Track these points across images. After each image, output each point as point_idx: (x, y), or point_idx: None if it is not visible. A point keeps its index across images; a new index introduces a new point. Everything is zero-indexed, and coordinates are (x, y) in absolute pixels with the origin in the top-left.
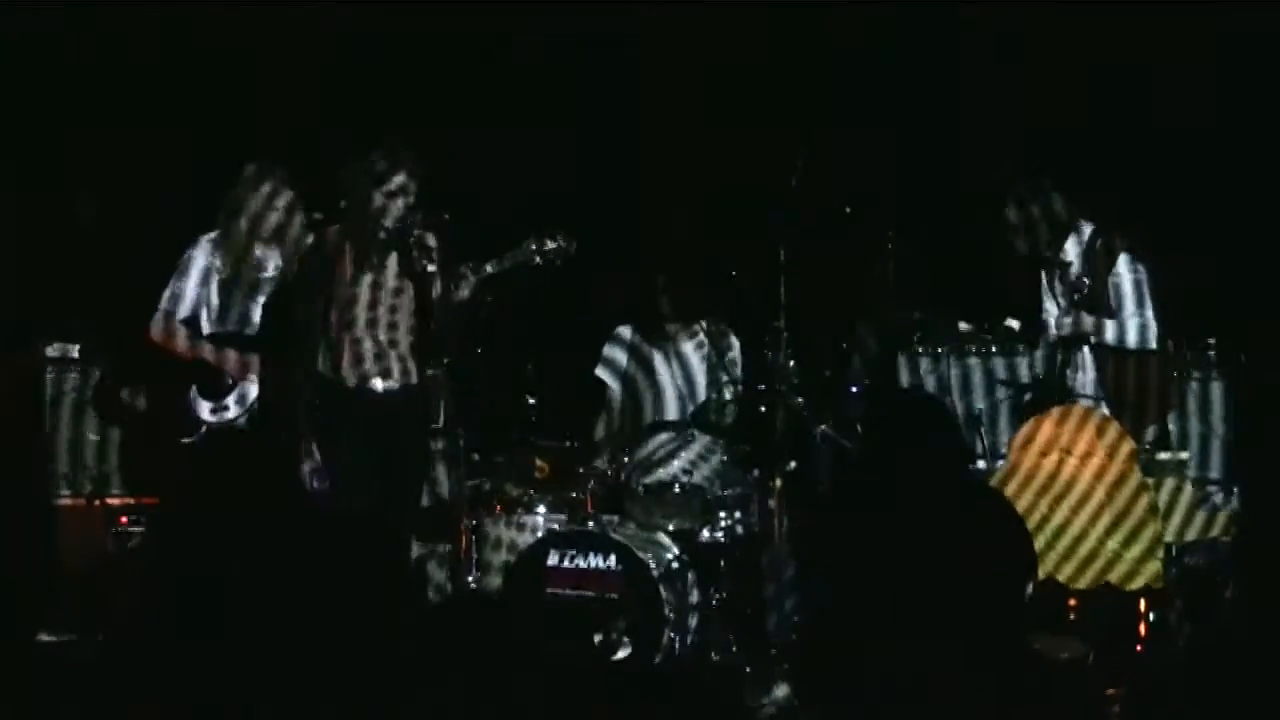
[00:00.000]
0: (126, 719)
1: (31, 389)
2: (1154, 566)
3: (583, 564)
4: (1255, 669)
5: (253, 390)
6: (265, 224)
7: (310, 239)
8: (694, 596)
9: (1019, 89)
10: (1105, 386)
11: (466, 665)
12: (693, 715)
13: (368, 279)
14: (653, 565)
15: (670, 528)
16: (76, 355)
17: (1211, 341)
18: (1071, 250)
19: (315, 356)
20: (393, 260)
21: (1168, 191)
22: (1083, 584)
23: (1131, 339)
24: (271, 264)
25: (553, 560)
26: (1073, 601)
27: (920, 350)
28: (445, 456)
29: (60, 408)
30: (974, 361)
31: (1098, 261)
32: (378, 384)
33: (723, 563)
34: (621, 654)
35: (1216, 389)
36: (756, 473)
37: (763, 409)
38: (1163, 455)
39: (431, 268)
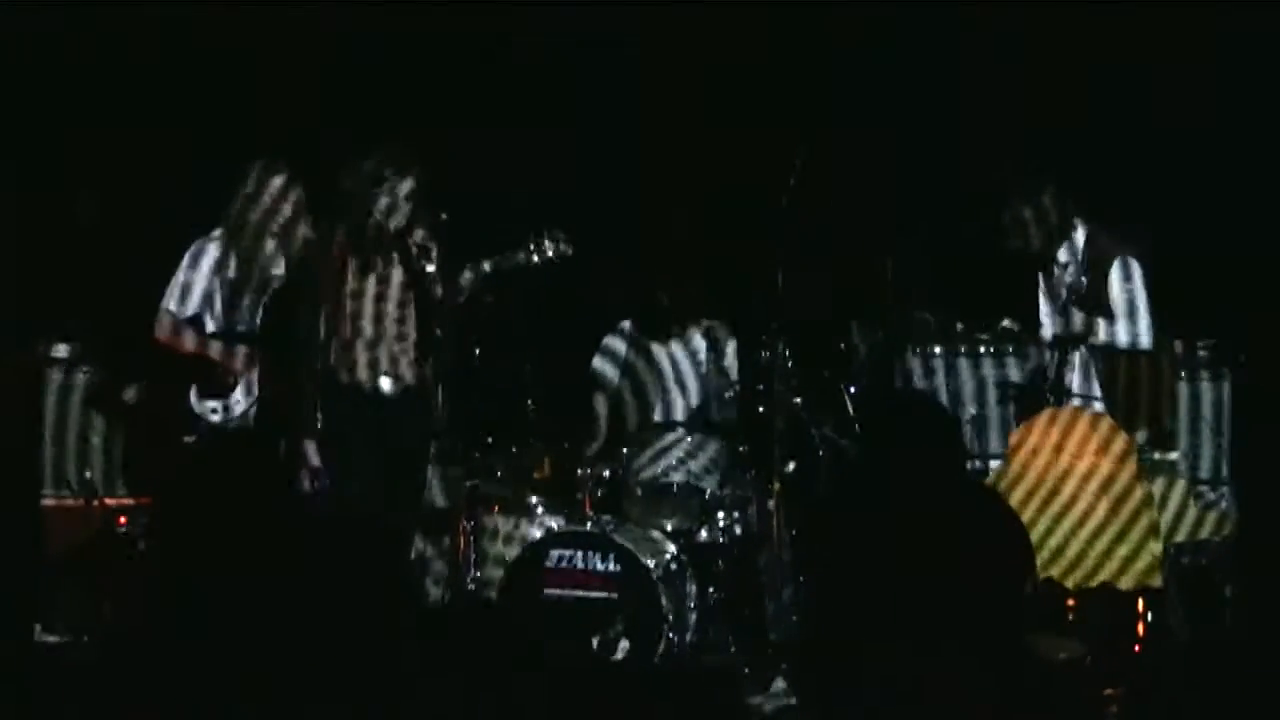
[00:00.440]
0: (124, 719)
1: (31, 389)
2: (1148, 565)
3: (581, 564)
4: (1253, 668)
5: (253, 389)
6: (274, 221)
7: (308, 232)
8: (692, 597)
9: (1019, 89)
10: (1102, 387)
11: (466, 665)
12: (691, 715)
13: (367, 280)
14: (651, 565)
15: (669, 528)
16: (76, 355)
17: (1207, 342)
18: (1069, 250)
19: (316, 357)
20: (392, 261)
21: (1165, 192)
22: (1077, 583)
23: (1128, 339)
24: (279, 262)
25: (551, 560)
26: (1071, 602)
27: (918, 351)
28: (444, 457)
29: (59, 408)
30: (971, 362)
31: (1097, 261)
32: (382, 384)
33: (721, 563)
34: (620, 654)
35: (1212, 389)
36: (755, 473)
37: (761, 409)
38: (1159, 455)
39: (431, 268)
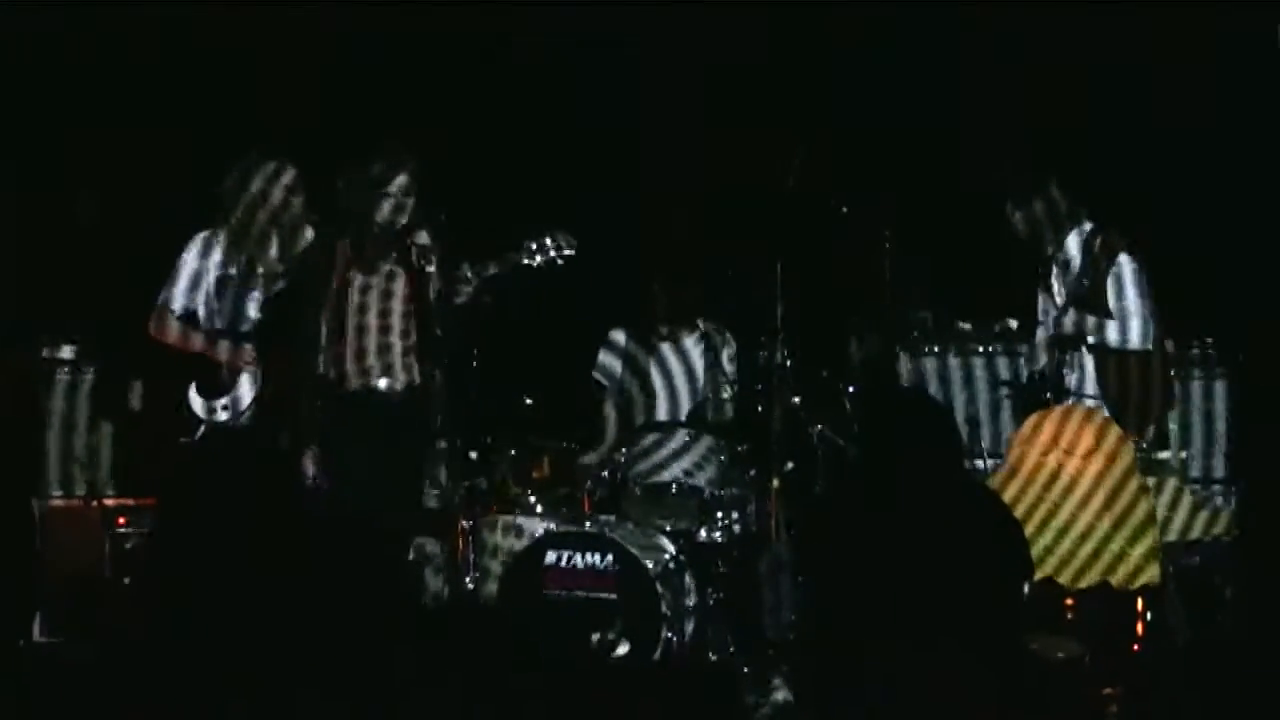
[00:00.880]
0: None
1: (29, 389)
2: (1148, 566)
3: (580, 564)
4: (1253, 669)
5: (252, 388)
6: (264, 213)
7: (308, 231)
8: (691, 596)
9: (1019, 89)
10: (1104, 386)
11: (464, 665)
12: (690, 715)
13: (367, 280)
14: (650, 565)
15: (668, 528)
16: (74, 355)
17: (1210, 340)
18: (1071, 249)
19: (316, 358)
20: (392, 261)
21: (1166, 190)
22: (1082, 584)
23: (1131, 338)
24: (271, 256)
25: (550, 560)
26: (1070, 601)
27: (918, 349)
28: (443, 456)
29: (58, 408)
30: (973, 361)
31: (1097, 260)
32: (381, 384)
33: (720, 563)
34: (619, 653)
35: (1215, 388)
36: (754, 473)
37: (760, 409)
38: (1161, 455)
39: (430, 268)
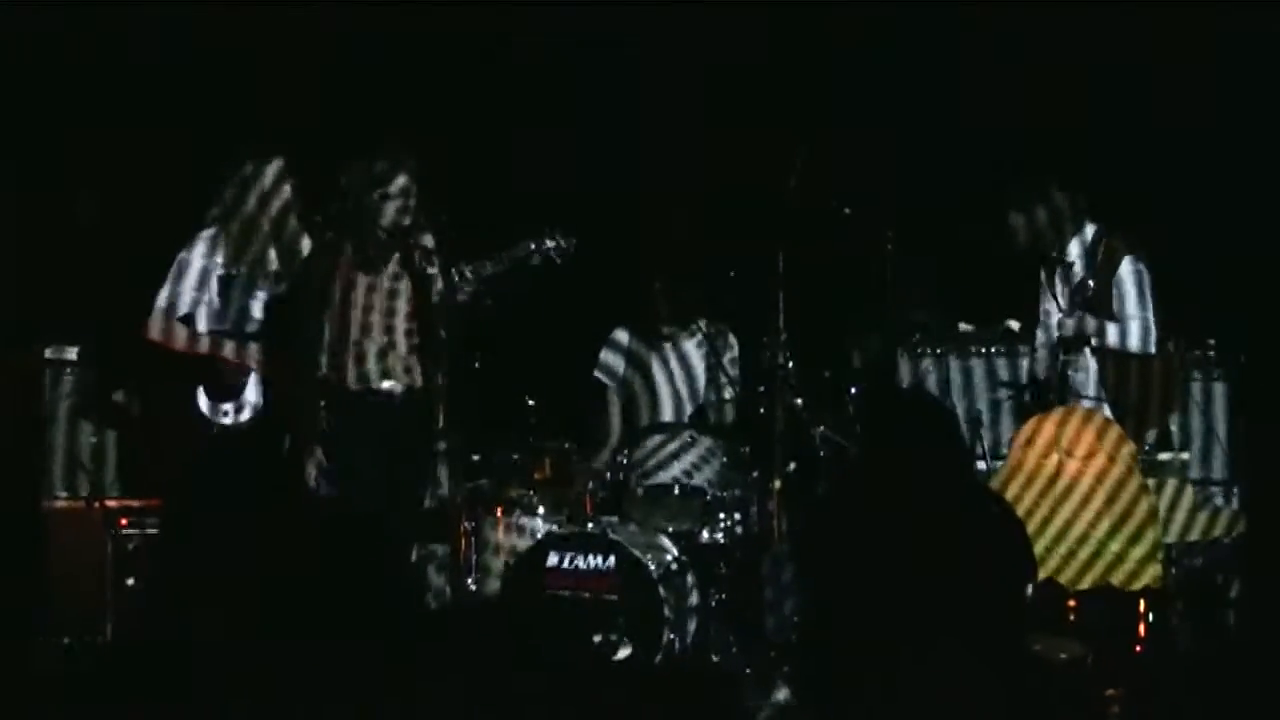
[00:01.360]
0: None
1: (31, 390)
2: (1152, 567)
3: (582, 565)
4: (1255, 670)
5: (259, 389)
6: (265, 217)
7: (305, 236)
8: (693, 598)
9: (1019, 89)
10: (1106, 387)
11: (467, 665)
12: (692, 716)
13: (369, 281)
14: (652, 566)
15: (669, 529)
16: (75, 357)
17: (1212, 342)
18: (1075, 251)
19: (319, 359)
20: (393, 262)
21: (1167, 191)
22: (1084, 585)
23: (1134, 341)
24: (272, 257)
25: (552, 561)
26: (1072, 602)
27: (920, 350)
28: (445, 458)
29: (59, 409)
30: (974, 362)
31: (1102, 263)
32: (384, 385)
33: (722, 564)
34: (621, 655)
35: (1217, 389)
36: (756, 474)
37: (762, 410)
38: (1163, 456)
39: (431, 269)
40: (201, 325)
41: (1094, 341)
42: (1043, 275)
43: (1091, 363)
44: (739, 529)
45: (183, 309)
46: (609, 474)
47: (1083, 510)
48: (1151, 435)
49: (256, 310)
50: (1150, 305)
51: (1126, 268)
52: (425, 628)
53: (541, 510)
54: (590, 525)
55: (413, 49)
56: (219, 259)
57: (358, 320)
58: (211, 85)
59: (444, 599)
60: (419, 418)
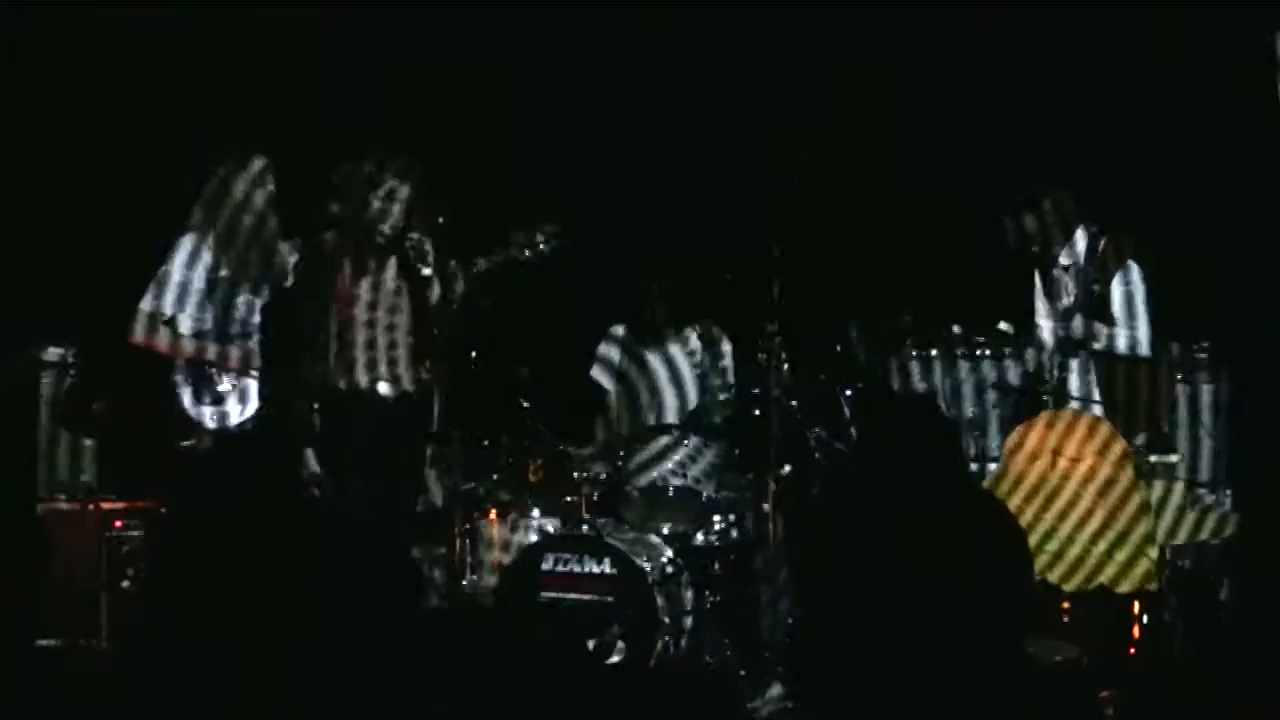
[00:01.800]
0: None
1: (26, 392)
2: (1146, 569)
3: (577, 568)
4: (1248, 671)
5: (252, 392)
6: (246, 217)
7: (283, 237)
8: (688, 600)
9: (1015, 90)
10: (1099, 390)
11: (462, 668)
12: (687, 718)
13: (364, 283)
14: (647, 569)
15: (664, 531)
16: (71, 358)
17: (1203, 344)
18: (1073, 254)
19: (314, 362)
20: (389, 264)
21: (1165, 194)
22: (1075, 586)
23: (1130, 345)
24: (254, 258)
25: (547, 564)
26: (1066, 604)
27: (914, 353)
28: (440, 460)
29: (54, 411)
30: (967, 365)
31: (1101, 266)
32: (379, 387)
33: (717, 566)
34: (616, 657)
35: (1208, 392)
36: (750, 476)
37: (756, 412)
38: (1155, 458)
39: (427, 271)
40: (188, 328)
41: (1096, 345)
42: (1037, 278)
43: (1084, 365)
44: (734, 531)
45: (168, 312)
46: (604, 476)
47: (1074, 512)
48: (1142, 438)
49: (244, 312)
50: (1145, 309)
51: (1128, 272)
52: (421, 630)
53: (537, 512)
54: (585, 527)
55: (406, 48)
56: (204, 261)
57: (354, 323)
58: (204, 86)
59: (440, 601)
60: (414, 420)
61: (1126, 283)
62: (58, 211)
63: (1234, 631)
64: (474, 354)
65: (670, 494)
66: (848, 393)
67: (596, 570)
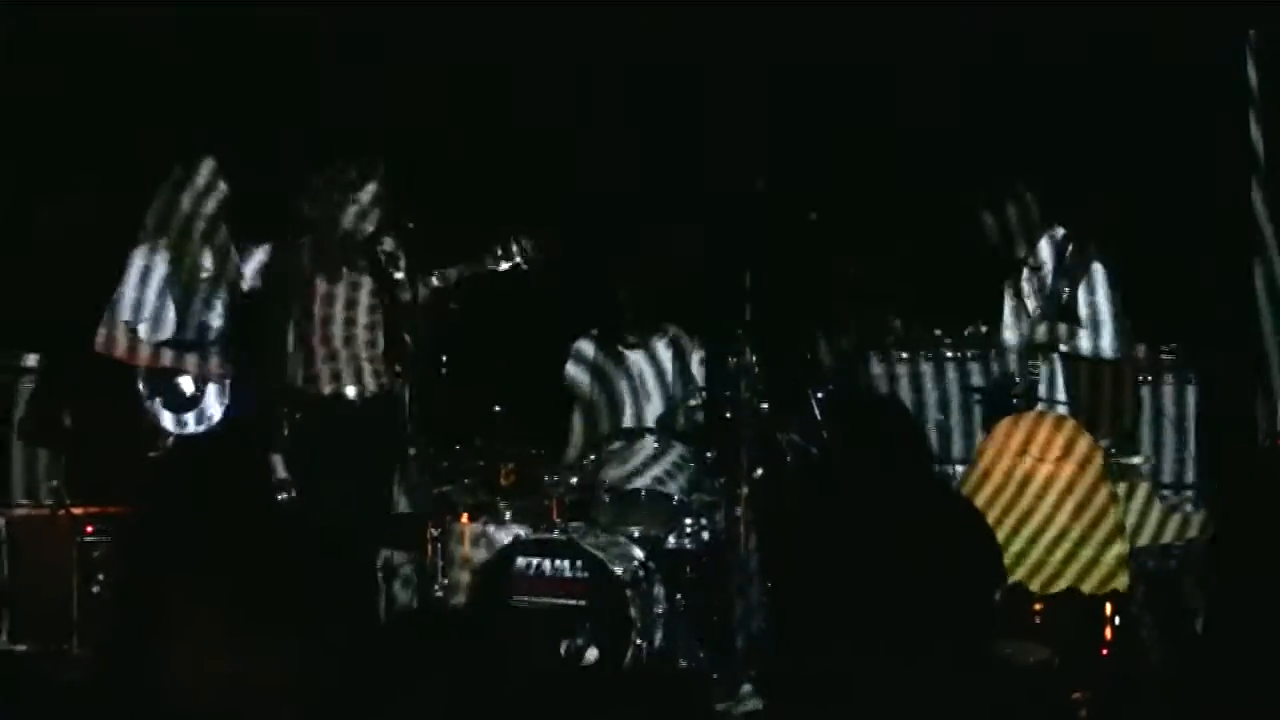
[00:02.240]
0: None
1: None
2: (1116, 571)
3: (549, 570)
4: (1220, 674)
5: (222, 398)
6: (199, 220)
7: (232, 239)
8: (660, 603)
9: (990, 92)
10: (1072, 391)
11: (433, 672)
12: None
13: (336, 287)
14: (619, 572)
15: (636, 534)
16: (39, 364)
17: (1176, 346)
18: (1043, 254)
19: (285, 366)
20: (359, 268)
21: (1135, 195)
22: (1054, 590)
23: (1104, 346)
24: (208, 262)
25: (519, 567)
26: (1038, 606)
27: (888, 355)
28: (412, 464)
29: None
30: (939, 367)
31: (1070, 267)
32: (349, 392)
33: (689, 569)
34: (588, 660)
35: (1182, 393)
36: (722, 479)
37: (728, 415)
38: (1128, 460)
39: (399, 275)
40: (156, 336)
41: (1063, 347)
42: (1010, 279)
43: (1058, 367)
44: (706, 534)
45: (135, 321)
46: (576, 479)
47: (1051, 515)
48: (1116, 438)
49: (211, 318)
50: (1119, 310)
51: (1096, 273)
52: (392, 634)
53: (508, 516)
54: (557, 531)
55: (380, 52)
56: (160, 267)
57: (323, 326)
58: (171, 92)
59: (410, 605)
60: (385, 424)
61: (1094, 285)
62: (38, 215)
63: (1207, 634)
64: (444, 358)
65: (642, 497)
66: (819, 395)
67: (569, 573)
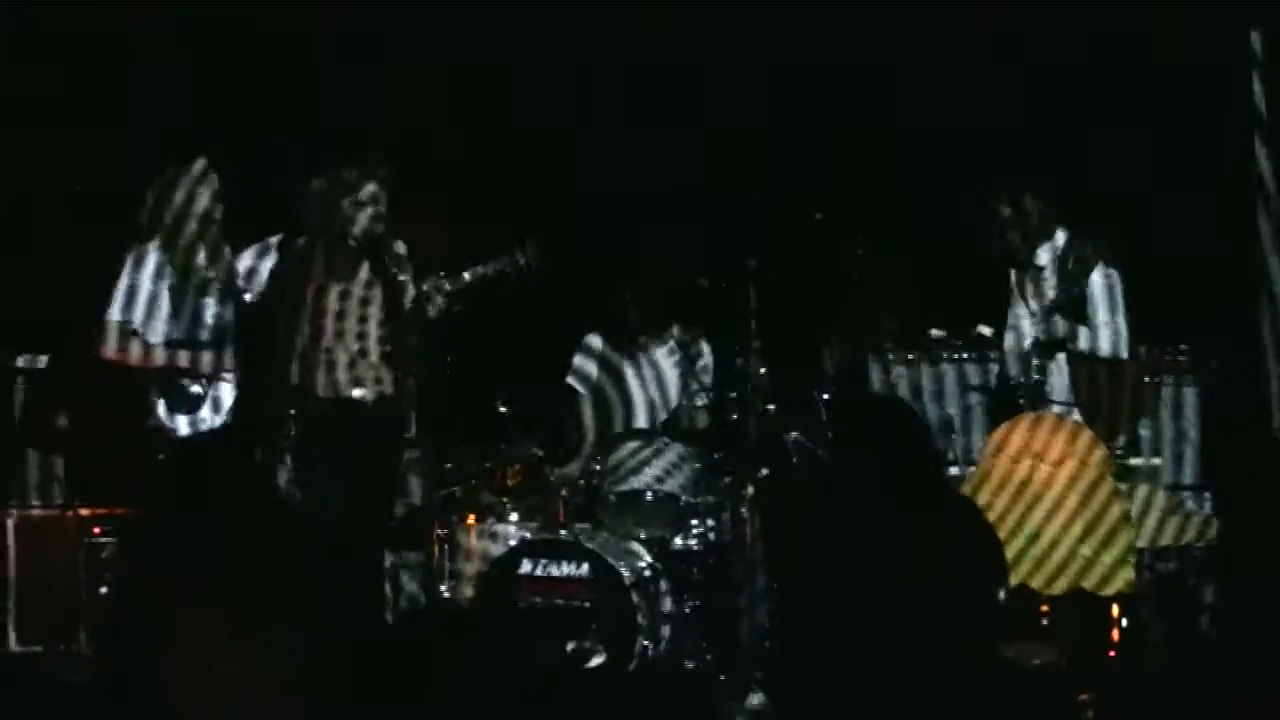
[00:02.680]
0: None
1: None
2: (1127, 572)
3: (555, 572)
4: (1228, 675)
5: (227, 399)
6: (191, 220)
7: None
8: (667, 604)
9: (994, 95)
10: (1078, 392)
11: (440, 673)
12: None
13: (339, 289)
14: (625, 573)
15: (642, 536)
16: (46, 365)
17: (1183, 347)
18: (1047, 256)
19: (289, 367)
20: (364, 269)
21: (1138, 196)
22: (1056, 591)
23: (1106, 346)
24: (201, 261)
25: (525, 569)
26: (1045, 607)
27: (892, 356)
28: (417, 465)
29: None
30: (946, 367)
31: (1075, 269)
32: (353, 393)
33: (695, 570)
34: (594, 662)
35: (1188, 394)
36: (728, 480)
37: (734, 416)
38: (1135, 461)
39: (403, 276)
40: (156, 337)
41: (1070, 348)
42: (1014, 280)
43: (1063, 368)
44: (711, 535)
45: (134, 322)
46: (582, 481)
47: (1055, 515)
48: (1122, 440)
49: (209, 317)
50: (1122, 310)
51: (1098, 273)
52: (398, 635)
53: (514, 517)
54: (563, 532)
55: (386, 54)
56: (153, 269)
57: (328, 328)
58: (171, 93)
59: (417, 607)
60: (390, 425)
61: (1100, 284)
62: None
63: (1213, 635)
64: (449, 359)
65: (648, 499)
66: (825, 397)
67: (575, 574)
